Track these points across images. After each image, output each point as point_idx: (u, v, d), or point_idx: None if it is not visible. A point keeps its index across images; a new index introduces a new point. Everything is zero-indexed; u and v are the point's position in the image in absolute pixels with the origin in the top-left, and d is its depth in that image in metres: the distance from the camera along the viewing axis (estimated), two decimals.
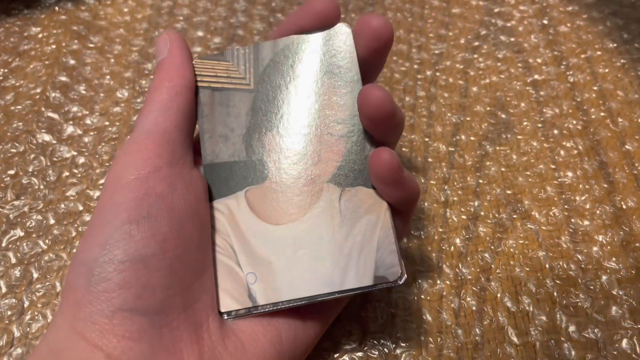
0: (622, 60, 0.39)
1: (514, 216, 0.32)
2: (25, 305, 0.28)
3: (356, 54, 0.26)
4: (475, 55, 0.40)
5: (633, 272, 0.29)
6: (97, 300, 0.20)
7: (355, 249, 0.24)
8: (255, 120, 0.26)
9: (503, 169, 0.34)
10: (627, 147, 0.34)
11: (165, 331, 0.21)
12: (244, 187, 0.25)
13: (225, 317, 0.23)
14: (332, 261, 0.24)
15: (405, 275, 0.23)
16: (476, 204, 0.32)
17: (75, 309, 0.20)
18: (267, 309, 0.23)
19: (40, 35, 0.41)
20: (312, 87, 0.26)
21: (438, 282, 0.29)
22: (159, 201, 0.22)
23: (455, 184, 0.33)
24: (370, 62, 0.26)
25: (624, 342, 0.27)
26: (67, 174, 0.33)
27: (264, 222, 0.25)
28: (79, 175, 0.33)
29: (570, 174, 0.33)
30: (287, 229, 0.24)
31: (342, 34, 0.26)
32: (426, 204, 0.32)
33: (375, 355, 0.27)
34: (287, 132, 0.25)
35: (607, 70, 0.39)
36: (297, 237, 0.24)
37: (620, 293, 0.29)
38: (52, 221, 0.31)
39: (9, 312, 0.28)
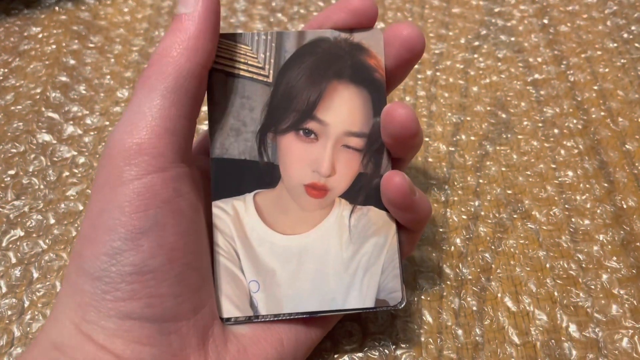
0: (622, 60, 0.39)
1: (514, 216, 0.32)
2: (26, 305, 0.28)
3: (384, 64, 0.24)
4: (476, 55, 0.40)
5: (633, 271, 0.29)
6: (105, 308, 0.20)
7: (360, 269, 0.24)
8: (270, 119, 0.24)
9: (503, 169, 0.34)
10: (627, 146, 0.34)
11: (174, 337, 0.21)
12: (253, 189, 0.24)
13: (225, 323, 0.23)
14: (337, 279, 0.24)
15: (405, 301, 0.24)
16: (476, 203, 0.32)
17: (81, 311, 0.20)
18: (267, 319, 0.23)
19: (40, 35, 0.41)
20: (334, 92, 0.24)
21: (438, 282, 0.29)
22: (165, 207, 0.21)
23: (456, 183, 0.33)
24: (394, 73, 0.25)
25: (625, 342, 0.27)
26: (67, 173, 0.33)
27: (271, 229, 0.24)
28: (79, 175, 0.33)
29: (570, 173, 0.33)
30: (295, 240, 0.24)
31: (374, 39, 0.24)
32: None
33: (375, 356, 0.27)
34: (303, 138, 0.24)
35: (607, 70, 0.39)
36: (303, 250, 0.24)
37: (621, 292, 0.28)
38: (52, 221, 0.31)
39: (9, 312, 0.28)
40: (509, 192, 0.33)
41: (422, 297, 0.29)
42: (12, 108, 0.36)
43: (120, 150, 0.20)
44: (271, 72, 0.24)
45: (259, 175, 0.24)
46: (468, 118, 0.36)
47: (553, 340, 0.27)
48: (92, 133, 0.35)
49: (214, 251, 0.23)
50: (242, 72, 0.24)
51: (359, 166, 0.24)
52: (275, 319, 0.23)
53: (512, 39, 0.41)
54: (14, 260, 0.30)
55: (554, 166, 0.34)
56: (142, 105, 0.21)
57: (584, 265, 0.30)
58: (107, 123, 0.36)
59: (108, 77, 0.38)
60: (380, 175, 0.24)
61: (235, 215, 0.24)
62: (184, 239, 0.21)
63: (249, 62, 0.24)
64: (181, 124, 0.21)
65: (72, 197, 0.32)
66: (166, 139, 0.21)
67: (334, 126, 0.24)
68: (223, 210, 0.24)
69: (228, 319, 0.23)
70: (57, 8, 0.43)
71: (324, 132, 0.24)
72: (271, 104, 0.24)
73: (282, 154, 0.24)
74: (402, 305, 0.24)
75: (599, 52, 0.40)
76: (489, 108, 0.37)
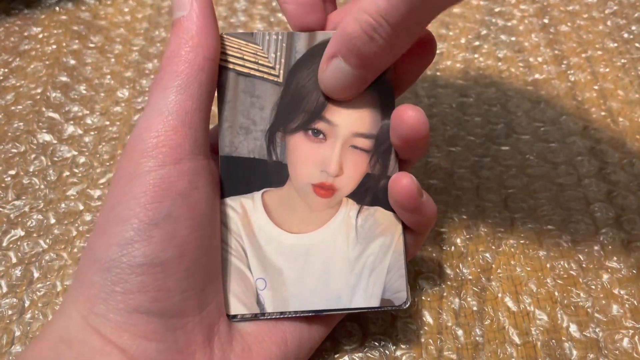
0: (622, 60, 0.39)
1: (515, 216, 0.32)
2: (26, 305, 0.28)
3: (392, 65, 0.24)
4: (476, 55, 0.40)
5: (634, 271, 0.29)
6: (114, 300, 0.20)
7: (366, 269, 0.24)
8: (280, 118, 0.24)
9: (503, 169, 0.34)
10: (627, 146, 0.34)
11: (180, 333, 0.21)
12: (262, 188, 0.24)
13: (232, 320, 0.23)
14: (343, 278, 0.24)
15: (410, 301, 0.24)
16: (476, 204, 0.32)
17: (90, 303, 0.20)
18: (273, 317, 0.23)
19: (40, 35, 0.41)
20: None
21: (438, 282, 0.29)
22: (179, 200, 0.21)
23: (456, 184, 0.33)
24: (404, 76, 0.25)
25: (625, 342, 0.27)
26: (67, 173, 0.33)
27: (278, 228, 0.24)
28: (80, 175, 0.33)
29: (571, 173, 0.33)
30: (302, 239, 0.24)
31: None
32: None
33: (375, 357, 0.27)
34: (312, 138, 0.24)
35: (607, 69, 0.38)
36: (310, 249, 0.24)
37: (622, 292, 0.28)
38: (52, 221, 0.31)
39: (10, 312, 0.28)
40: (509, 192, 0.33)
41: (423, 297, 0.29)
42: (13, 108, 0.36)
43: (137, 144, 0.21)
44: (281, 72, 0.24)
45: (267, 174, 0.24)
46: (468, 118, 0.36)
47: (553, 340, 0.27)
48: (92, 133, 0.35)
49: (222, 249, 0.24)
50: (252, 72, 0.24)
51: (366, 167, 0.24)
52: (282, 316, 0.24)
53: (513, 38, 0.41)
54: (14, 260, 0.30)
55: (554, 166, 0.34)
56: (158, 103, 0.22)
57: (584, 265, 0.30)
58: (108, 123, 0.36)
59: (108, 77, 0.38)
60: (388, 176, 0.24)
61: (243, 213, 0.24)
62: (197, 233, 0.21)
63: (260, 62, 0.24)
64: (197, 117, 0.22)
65: (72, 197, 0.32)
66: (182, 131, 0.21)
67: (342, 127, 0.24)
68: (231, 208, 0.24)
69: (234, 316, 0.23)
70: (57, 8, 0.43)
71: (332, 132, 0.24)
72: (281, 103, 0.24)
73: (291, 153, 0.24)
74: (407, 305, 0.24)
75: (599, 52, 0.40)
76: (488, 107, 0.37)
